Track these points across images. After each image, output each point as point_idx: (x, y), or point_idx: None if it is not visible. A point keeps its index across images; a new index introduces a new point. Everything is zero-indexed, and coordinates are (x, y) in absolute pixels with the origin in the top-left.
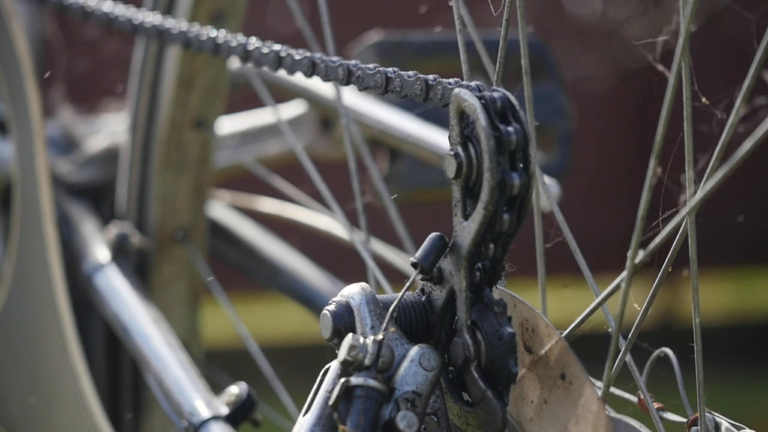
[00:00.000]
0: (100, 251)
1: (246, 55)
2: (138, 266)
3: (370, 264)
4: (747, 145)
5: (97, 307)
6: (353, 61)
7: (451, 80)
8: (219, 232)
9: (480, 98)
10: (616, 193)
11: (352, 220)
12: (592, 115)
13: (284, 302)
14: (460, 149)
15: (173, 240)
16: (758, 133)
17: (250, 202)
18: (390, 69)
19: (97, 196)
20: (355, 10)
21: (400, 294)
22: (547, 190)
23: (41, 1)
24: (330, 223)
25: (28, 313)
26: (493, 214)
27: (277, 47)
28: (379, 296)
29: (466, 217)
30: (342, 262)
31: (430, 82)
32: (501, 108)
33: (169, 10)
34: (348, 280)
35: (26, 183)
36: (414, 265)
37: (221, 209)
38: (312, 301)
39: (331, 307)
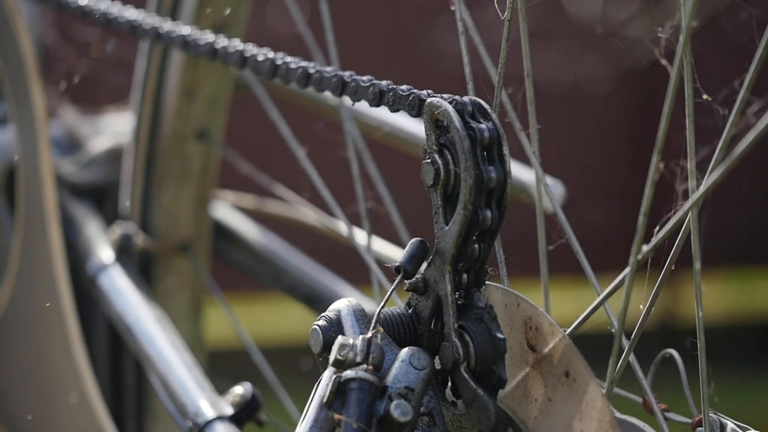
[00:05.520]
0: (104, 251)
1: (242, 63)
2: (141, 272)
3: (374, 267)
4: (749, 139)
5: (100, 307)
6: (347, 73)
7: (423, 92)
8: (223, 233)
9: (451, 102)
10: (616, 192)
11: (355, 223)
12: (592, 115)
13: (286, 302)
14: (436, 156)
15: (176, 251)
16: (759, 126)
17: (254, 203)
18: (384, 82)
19: (101, 197)
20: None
21: (386, 296)
22: (550, 192)
23: (41, 1)
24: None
25: (32, 313)
26: (473, 213)
27: (272, 55)
28: (366, 308)
29: (447, 222)
30: (344, 261)
31: (423, 98)
32: (472, 111)
33: (171, 18)
34: (351, 280)
35: (30, 183)
36: (397, 269)
37: (225, 210)
38: (316, 301)
39: (320, 322)
